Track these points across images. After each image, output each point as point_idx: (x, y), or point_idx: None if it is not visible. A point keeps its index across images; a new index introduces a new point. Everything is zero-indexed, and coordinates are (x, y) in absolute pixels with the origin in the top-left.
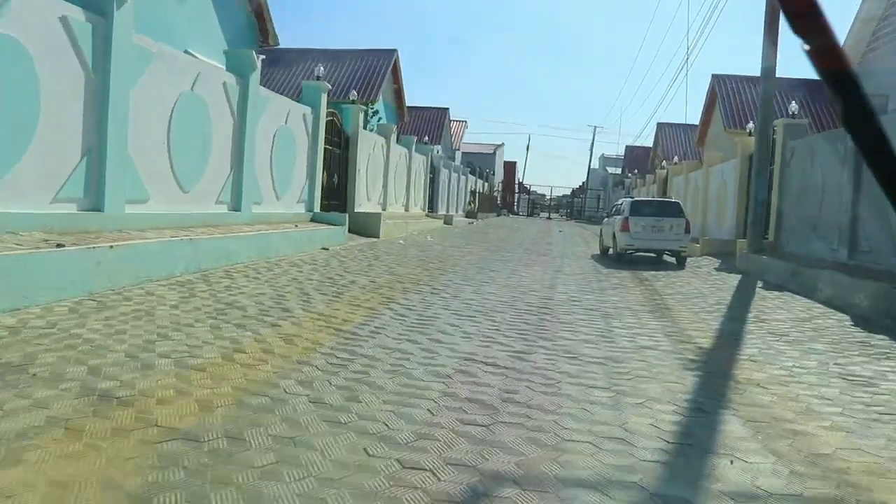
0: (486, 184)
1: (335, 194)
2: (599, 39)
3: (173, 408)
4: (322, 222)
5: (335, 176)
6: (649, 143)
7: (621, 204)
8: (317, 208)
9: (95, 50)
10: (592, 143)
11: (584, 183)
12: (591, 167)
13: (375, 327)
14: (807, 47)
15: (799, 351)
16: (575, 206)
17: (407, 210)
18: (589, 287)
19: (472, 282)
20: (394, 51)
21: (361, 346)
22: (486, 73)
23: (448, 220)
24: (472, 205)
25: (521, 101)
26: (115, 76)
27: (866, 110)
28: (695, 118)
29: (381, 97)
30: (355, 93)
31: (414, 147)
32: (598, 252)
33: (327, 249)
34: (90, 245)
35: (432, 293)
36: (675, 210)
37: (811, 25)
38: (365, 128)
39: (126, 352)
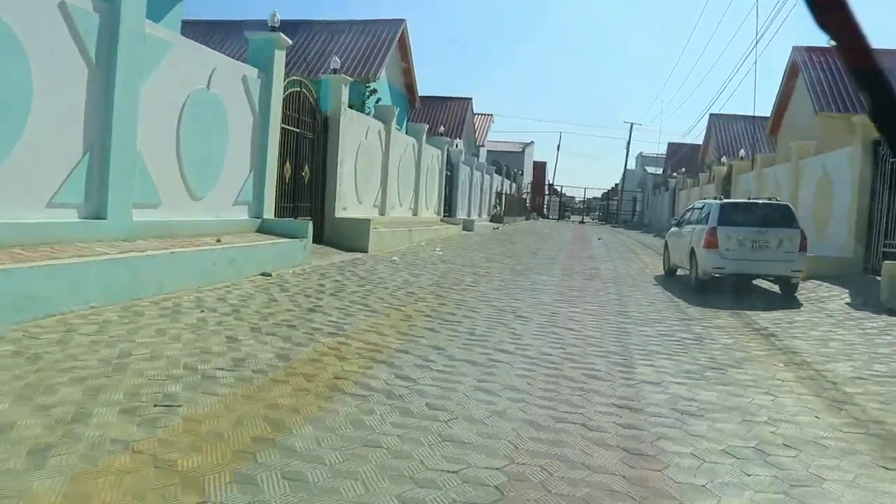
0: (514, 185)
1: (305, 193)
2: (637, 31)
3: None
4: (273, 233)
5: (305, 169)
6: (696, 140)
7: (702, 208)
8: (268, 213)
9: None
10: (629, 142)
11: (617, 184)
12: (627, 167)
13: None
14: (833, 43)
15: None
16: (607, 210)
17: (416, 214)
18: (688, 356)
19: (479, 349)
20: (401, 21)
21: None
22: (515, 68)
23: (468, 226)
24: (498, 208)
25: (551, 98)
26: None
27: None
28: (762, 108)
29: (383, 75)
30: (337, 59)
31: (424, 137)
32: (662, 271)
33: (269, 276)
34: None
35: (389, 400)
36: (785, 217)
37: (837, 20)
38: (361, 109)
39: None
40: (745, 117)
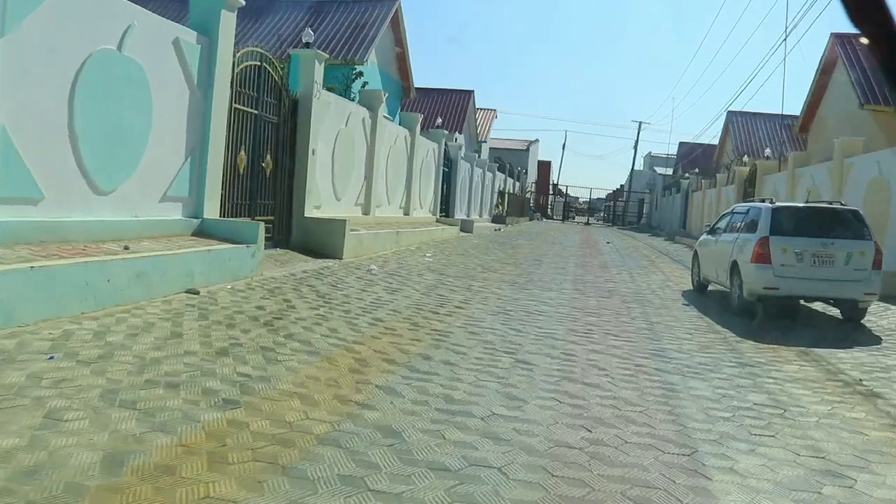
0: (518, 184)
1: (267, 188)
2: (648, 27)
3: None
4: (216, 237)
5: (267, 158)
6: (709, 140)
7: (745, 213)
8: (211, 212)
9: None
10: (637, 141)
11: (623, 185)
12: (635, 168)
13: None
14: (866, 41)
15: None
16: (612, 211)
17: (407, 214)
18: (779, 443)
19: (454, 437)
20: (394, 0)
21: None
22: (520, 64)
23: (466, 227)
24: (500, 208)
25: (557, 96)
26: None
27: None
28: (791, 106)
29: (373, 59)
30: (310, 32)
31: (419, 129)
32: (690, 286)
33: (196, 294)
34: None
35: None
36: (854, 225)
37: (872, 16)
38: (347, 95)
39: None
40: (765, 115)
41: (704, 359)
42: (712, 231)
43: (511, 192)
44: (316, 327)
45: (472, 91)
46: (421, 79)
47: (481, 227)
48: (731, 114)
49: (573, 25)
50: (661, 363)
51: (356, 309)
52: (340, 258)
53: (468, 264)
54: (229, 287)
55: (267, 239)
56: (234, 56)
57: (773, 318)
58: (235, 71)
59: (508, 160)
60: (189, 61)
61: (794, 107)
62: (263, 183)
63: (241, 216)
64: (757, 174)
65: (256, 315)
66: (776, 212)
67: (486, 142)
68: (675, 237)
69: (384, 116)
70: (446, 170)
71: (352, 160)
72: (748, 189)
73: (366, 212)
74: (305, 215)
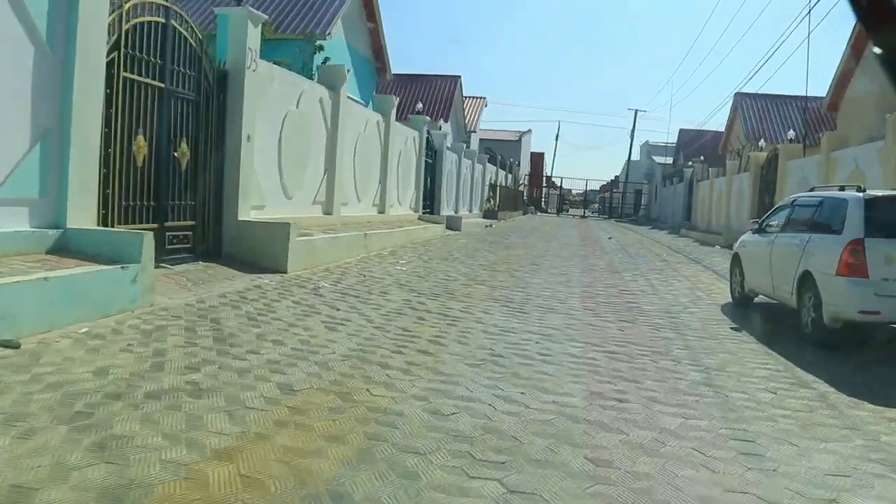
0: (511, 176)
1: (182, 185)
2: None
3: None
4: (84, 255)
5: (182, 146)
6: (712, 127)
7: (818, 205)
8: (80, 219)
9: None
10: (633, 130)
11: (618, 176)
12: (632, 158)
13: None
14: (878, 50)
15: None
16: (608, 203)
17: (382, 212)
18: None
19: None
20: None
21: None
22: (510, 52)
23: (453, 225)
24: (492, 202)
25: (549, 84)
26: None
27: None
28: (816, 87)
29: (339, 34)
30: None
31: (394, 114)
32: (730, 298)
33: (15, 347)
34: None
35: None
36: None
37: (886, 25)
38: (309, 74)
39: None
40: (778, 97)
41: (826, 459)
42: (761, 229)
43: (503, 184)
44: (166, 417)
45: (459, 77)
46: (402, 66)
47: (471, 224)
48: (739, 96)
49: (565, 8)
50: (760, 475)
51: (262, 365)
52: (284, 271)
53: (450, 273)
54: (83, 331)
55: (186, 251)
56: (115, 6)
57: (862, 350)
58: (124, 28)
59: (500, 152)
60: (31, 8)
61: (814, 89)
62: (177, 178)
63: (141, 223)
64: (778, 160)
65: (79, 391)
66: (872, 204)
67: (475, 132)
68: (679, 230)
69: (350, 98)
70: (430, 161)
71: (307, 149)
72: (765, 177)
73: (328, 211)
74: (240, 218)
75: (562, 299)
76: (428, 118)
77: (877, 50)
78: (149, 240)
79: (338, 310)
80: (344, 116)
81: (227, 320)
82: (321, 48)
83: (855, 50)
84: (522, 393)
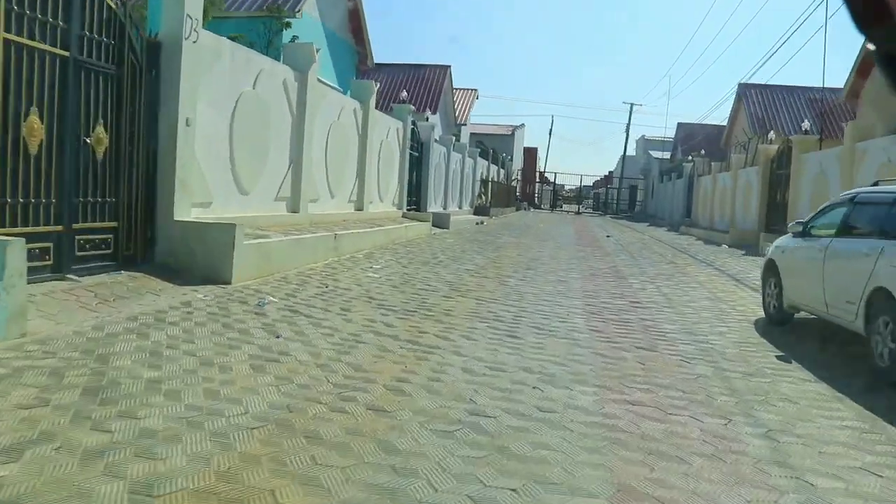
0: (503, 171)
1: (103, 179)
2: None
3: None
4: None
5: (97, 130)
6: (713, 120)
7: (893, 202)
8: None
9: None
10: (629, 124)
11: (612, 171)
12: (627, 153)
13: None
14: (872, 47)
15: None
16: (602, 199)
17: (361, 209)
18: None
19: None
20: None
21: None
22: (502, 44)
23: (441, 222)
24: (483, 198)
25: (542, 78)
26: None
27: None
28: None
29: (312, 12)
30: None
31: (374, 101)
32: (762, 312)
33: None
34: None
35: None
36: None
37: (881, 23)
38: (272, 52)
39: None
40: (786, 87)
41: None
42: (806, 232)
43: (495, 180)
44: None
45: (449, 67)
46: (389, 57)
47: (461, 221)
48: (744, 87)
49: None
50: None
51: (129, 441)
52: (228, 282)
53: (430, 282)
54: None
55: (104, 258)
56: None
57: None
58: None
59: (492, 146)
60: None
61: (819, 80)
62: (90, 170)
63: (36, 225)
64: (792, 153)
65: None
66: None
67: (465, 124)
68: (679, 228)
69: (322, 82)
70: (416, 154)
71: (267, 137)
72: (776, 171)
73: (294, 209)
74: (177, 218)
75: (563, 316)
76: (413, 107)
77: (871, 47)
78: (16, 250)
79: (278, 336)
80: (313, 101)
81: (118, 358)
82: (288, 25)
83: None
84: (514, 492)
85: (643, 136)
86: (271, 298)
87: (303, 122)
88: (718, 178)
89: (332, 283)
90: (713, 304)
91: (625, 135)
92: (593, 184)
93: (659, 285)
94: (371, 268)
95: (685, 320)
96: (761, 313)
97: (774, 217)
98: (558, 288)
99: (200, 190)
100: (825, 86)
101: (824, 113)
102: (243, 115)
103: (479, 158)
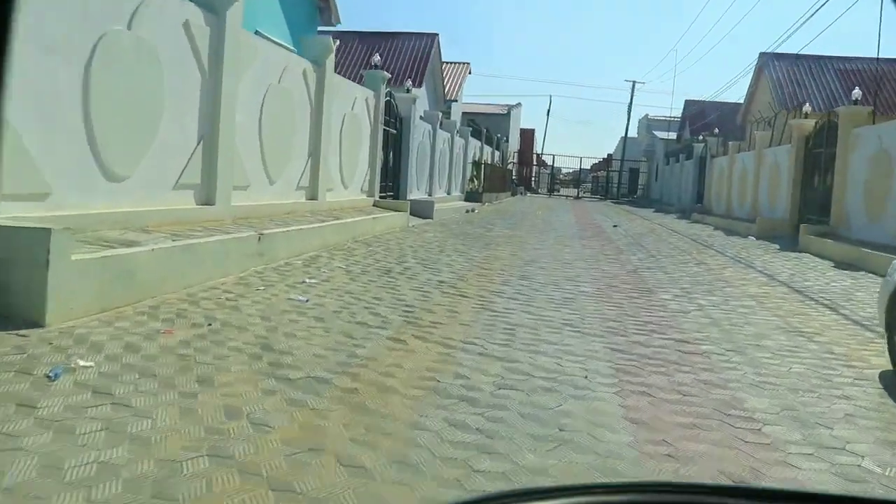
0: (498, 153)
1: None
2: None
3: None
4: None
5: None
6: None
7: None
8: None
9: None
10: (630, 104)
11: (611, 154)
12: (629, 134)
13: None
14: None
15: None
16: (607, 182)
17: (315, 198)
18: None
19: None
20: None
21: None
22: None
23: (422, 212)
24: (475, 182)
25: (540, 55)
26: None
27: None
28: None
29: None
30: None
31: (332, 64)
32: (891, 363)
33: None
34: None
35: None
36: None
37: None
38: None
39: None
40: (813, 57)
41: None
42: None
43: (489, 162)
44: None
45: (437, 35)
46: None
47: (447, 210)
48: (767, 57)
49: None
50: None
51: None
52: (40, 324)
53: (378, 308)
54: None
55: None
56: None
57: None
58: None
59: (486, 126)
60: None
61: (843, 50)
62: None
63: None
64: (839, 127)
65: None
66: None
67: (456, 101)
68: (690, 214)
69: (260, 34)
70: (393, 132)
71: (157, 101)
72: (813, 150)
73: (207, 200)
74: None
75: (579, 385)
76: (387, 74)
77: None
78: None
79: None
80: (235, 54)
81: None
82: None
83: None
84: None
85: (647, 115)
86: (80, 362)
87: (220, 83)
88: (737, 158)
89: (225, 314)
90: (795, 341)
91: (626, 115)
92: (591, 167)
93: (701, 304)
94: (303, 282)
95: (773, 384)
96: (876, 359)
97: (811, 205)
98: (565, 315)
99: (31, 178)
100: (858, 55)
101: (878, 83)
102: (108, 68)
103: (470, 139)
